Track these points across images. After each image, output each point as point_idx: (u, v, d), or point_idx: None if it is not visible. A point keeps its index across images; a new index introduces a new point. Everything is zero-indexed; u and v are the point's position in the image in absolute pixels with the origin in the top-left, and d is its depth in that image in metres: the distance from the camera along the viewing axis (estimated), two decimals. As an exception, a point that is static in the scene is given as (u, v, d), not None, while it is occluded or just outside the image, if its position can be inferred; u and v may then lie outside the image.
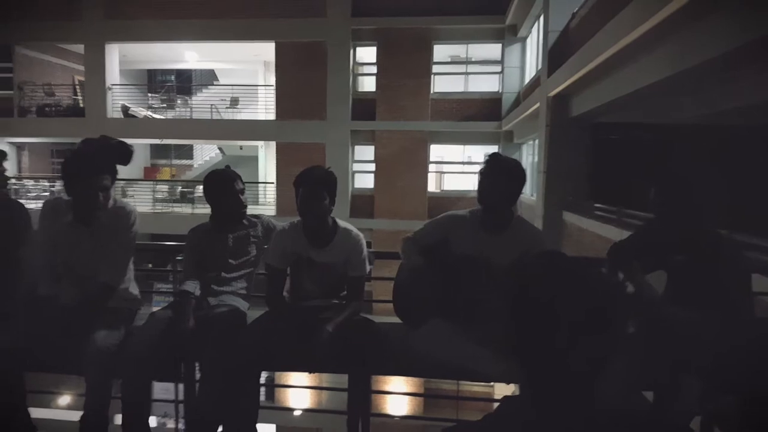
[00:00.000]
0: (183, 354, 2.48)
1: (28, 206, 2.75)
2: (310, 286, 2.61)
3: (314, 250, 2.55)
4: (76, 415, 2.37)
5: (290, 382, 5.06)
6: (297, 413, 6.00)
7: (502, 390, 2.63)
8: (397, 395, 3.43)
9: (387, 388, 3.50)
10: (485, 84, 15.41)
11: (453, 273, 2.48)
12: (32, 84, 16.59)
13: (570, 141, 9.61)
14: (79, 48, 16.03)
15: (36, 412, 2.60)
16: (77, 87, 16.66)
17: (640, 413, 1.01)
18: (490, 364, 2.25)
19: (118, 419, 2.38)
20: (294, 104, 14.87)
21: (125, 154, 2.55)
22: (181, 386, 2.68)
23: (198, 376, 2.48)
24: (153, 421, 2.51)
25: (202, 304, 2.61)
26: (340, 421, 2.56)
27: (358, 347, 2.35)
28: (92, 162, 2.39)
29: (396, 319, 2.71)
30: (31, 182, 17.12)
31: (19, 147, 17.87)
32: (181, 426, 2.64)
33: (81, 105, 16.05)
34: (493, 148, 15.12)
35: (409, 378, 2.96)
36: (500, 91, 15.17)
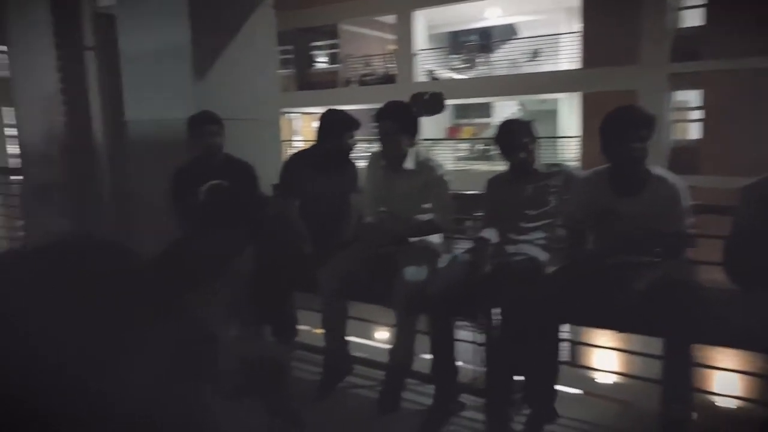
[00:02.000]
0: (480, 297, 2.53)
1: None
2: (615, 239, 2.37)
3: (621, 200, 2.32)
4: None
5: (595, 341, 4.75)
6: (604, 380, 5.63)
7: None
8: (722, 371, 2.92)
9: (710, 361, 3.01)
10: None
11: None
12: (353, 56, 19.06)
13: None
14: (391, 19, 17.63)
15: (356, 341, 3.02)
16: (389, 56, 18.50)
17: None
18: None
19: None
20: (602, 50, 13.58)
21: (435, 104, 2.97)
22: (479, 330, 2.77)
23: (495, 321, 2.51)
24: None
25: (499, 251, 2.62)
26: (653, 391, 2.28)
27: (677, 309, 2.05)
28: (382, 116, 2.79)
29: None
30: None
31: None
32: (480, 369, 2.73)
33: (392, 72, 17.76)
34: None
35: (737, 353, 2.50)
36: None
